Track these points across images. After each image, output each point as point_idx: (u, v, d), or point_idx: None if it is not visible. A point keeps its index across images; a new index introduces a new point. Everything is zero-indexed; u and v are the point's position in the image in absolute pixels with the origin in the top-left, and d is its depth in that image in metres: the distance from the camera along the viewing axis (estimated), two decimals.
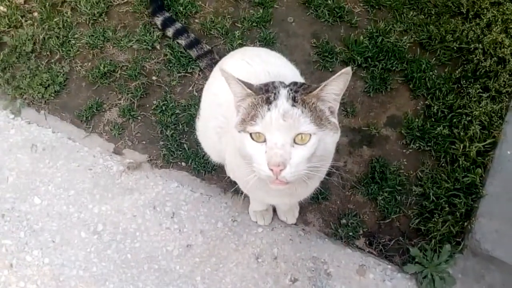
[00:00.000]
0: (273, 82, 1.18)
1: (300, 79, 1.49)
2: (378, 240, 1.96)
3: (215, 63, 2.11)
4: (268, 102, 1.09)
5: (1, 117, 2.13)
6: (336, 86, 1.11)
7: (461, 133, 2.09)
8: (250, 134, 1.11)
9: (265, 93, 1.12)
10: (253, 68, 1.42)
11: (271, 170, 1.06)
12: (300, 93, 1.11)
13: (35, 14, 2.38)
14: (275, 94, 1.11)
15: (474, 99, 2.18)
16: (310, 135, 1.08)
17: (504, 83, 2.20)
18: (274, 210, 1.95)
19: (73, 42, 2.32)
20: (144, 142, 2.11)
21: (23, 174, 2.00)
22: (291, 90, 1.12)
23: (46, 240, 1.87)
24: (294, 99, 1.09)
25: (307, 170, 1.10)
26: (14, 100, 2.17)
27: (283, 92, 1.11)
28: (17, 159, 2.03)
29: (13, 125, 2.12)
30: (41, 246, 1.86)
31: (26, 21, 2.35)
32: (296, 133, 1.07)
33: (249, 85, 1.14)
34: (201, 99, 1.76)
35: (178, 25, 2.29)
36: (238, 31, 2.40)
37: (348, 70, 1.08)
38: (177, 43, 2.30)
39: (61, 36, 2.32)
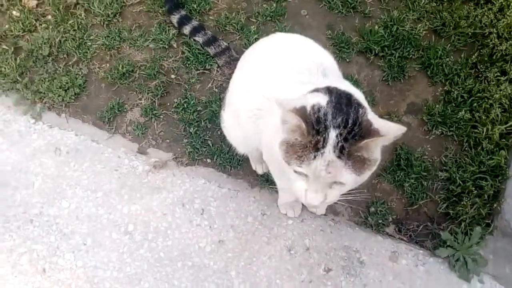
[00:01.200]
0: (323, 118, 1.10)
1: (335, 65, 1.51)
2: (406, 226, 1.97)
3: (233, 60, 2.12)
4: (316, 148, 1.08)
5: (22, 123, 2.12)
6: (387, 141, 1.11)
7: (483, 117, 2.10)
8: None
9: (315, 135, 1.08)
10: (293, 59, 1.43)
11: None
12: (349, 143, 1.08)
13: (49, 17, 2.36)
14: (324, 138, 1.08)
15: (493, 82, 2.19)
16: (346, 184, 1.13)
17: None
18: None
19: (89, 44, 2.31)
20: (168, 140, 2.10)
21: (49, 178, 1.99)
22: (340, 135, 1.08)
23: (78, 243, 1.86)
24: (341, 151, 1.08)
25: (339, 198, 1.20)
26: (34, 105, 2.15)
27: (332, 137, 1.08)
28: (41, 164, 2.02)
29: (35, 129, 2.11)
30: (72, 249, 1.85)
31: (40, 24, 2.33)
32: (335, 181, 1.12)
33: (303, 116, 1.09)
34: (228, 90, 1.75)
35: (194, 22, 2.28)
36: (253, 26, 2.39)
37: (404, 129, 1.07)
38: (194, 40, 2.30)
39: (77, 38, 2.30)
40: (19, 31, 2.30)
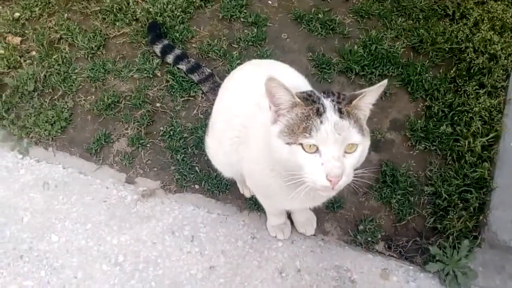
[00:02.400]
0: (312, 92, 1.21)
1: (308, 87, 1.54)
2: (396, 243, 1.98)
3: (217, 85, 2.14)
4: (319, 114, 1.12)
5: (9, 159, 2.13)
6: (373, 96, 1.17)
7: (464, 130, 2.15)
8: (302, 145, 1.13)
9: (312, 104, 1.15)
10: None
11: (329, 181, 1.10)
12: (343, 105, 1.15)
13: (34, 53, 2.40)
14: (322, 105, 1.14)
15: (472, 96, 2.25)
16: (357, 144, 1.14)
17: (498, 78, 2.28)
18: (292, 223, 1.97)
19: (74, 77, 2.34)
20: (155, 168, 2.12)
21: (38, 213, 1.99)
22: (332, 101, 1.15)
23: (68, 277, 1.86)
24: (340, 111, 1.12)
25: (352, 178, 1.16)
26: (21, 140, 2.17)
27: (328, 104, 1.14)
28: (30, 199, 2.02)
29: (22, 164, 2.12)
30: (63, 283, 1.84)
31: (25, 60, 2.37)
32: (347, 144, 1.12)
33: (295, 94, 1.16)
34: (211, 116, 1.78)
35: (177, 51, 2.33)
36: (235, 52, 2.45)
37: (384, 82, 1.15)
38: (178, 68, 2.34)
39: (61, 72, 2.34)
40: (3, 68, 2.34)
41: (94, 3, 2.61)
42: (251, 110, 1.41)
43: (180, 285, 1.84)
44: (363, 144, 1.16)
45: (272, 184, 1.39)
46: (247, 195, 2.02)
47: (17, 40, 2.43)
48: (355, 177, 1.18)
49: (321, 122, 1.11)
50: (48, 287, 1.84)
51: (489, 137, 2.11)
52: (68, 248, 1.91)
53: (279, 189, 1.38)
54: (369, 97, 1.16)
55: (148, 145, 2.17)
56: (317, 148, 1.12)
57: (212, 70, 2.32)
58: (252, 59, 1.89)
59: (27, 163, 2.12)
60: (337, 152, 1.11)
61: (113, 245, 1.93)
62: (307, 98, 1.17)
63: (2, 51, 2.38)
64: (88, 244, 1.93)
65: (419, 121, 2.22)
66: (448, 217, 1.95)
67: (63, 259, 1.89)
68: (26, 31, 2.50)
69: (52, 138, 2.18)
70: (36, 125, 2.17)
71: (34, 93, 2.27)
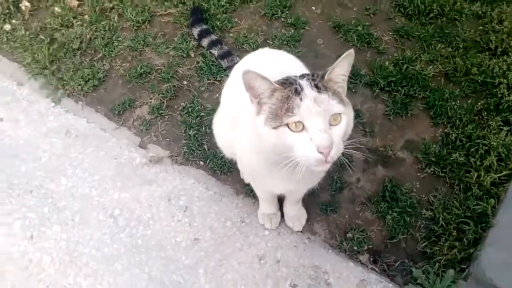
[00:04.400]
0: (288, 77, 1.25)
1: None
2: (383, 259, 1.96)
3: None
4: (297, 92, 1.17)
5: (43, 104, 2.33)
6: (343, 67, 1.21)
7: (477, 163, 2.10)
8: (288, 125, 1.17)
9: (289, 86, 1.19)
10: (265, 69, 1.53)
11: (321, 153, 1.15)
12: (318, 81, 1.19)
13: (86, 16, 2.62)
14: (299, 85, 1.18)
15: (494, 131, 2.19)
16: (341, 114, 1.18)
17: None
18: (282, 216, 2.01)
19: (116, 44, 2.53)
20: (168, 139, 2.24)
21: (55, 156, 2.17)
22: (308, 80, 1.20)
23: (67, 218, 2.00)
24: (317, 87, 1.17)
25: (343, 148, 1.21)
26: (56, 90, 2.37)
27: (304, 83, 1.18)
28: (51, 143, 2.21)
29: (53, 112, 2.31)
30: (61, 222, 1.99)
31: (76, 22, 2.59)
32: (330, 115, 1.17)
33: (273, 81, 1.21)
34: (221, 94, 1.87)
35: (213, 36, 2.45)
36: (268, 47, 2.53)
37: (351, 51, 1.19)
38: (210, 52, 2.46)
39: (106, 38, 2.54)
40: (57, 25, 2.58)
41: None
42: (244, 94, 1.49)
43: (164, 249, 1.93)
44: (346, 114, 1.20)
45: (259, 168, 1.46)
46: (246, 180, 2.09)
47: (74, 3, 2.67)
48: (346, 148, 1.23)
49: (300, 99, 1.15)
50: (48, 222, 1.99)
51: (501, 174, 2.04)
52: (73, 193, 2.07)
53: (265, 171, 1.44)
54: (339, 68, 1.21)
55: (167, 116, 2.30)
56: (303, 126, 1.16)
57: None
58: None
59: (57, 111, 2.31)
60: (322, 125, 1.15)
61: (113, 199, 2.06)
62: (285, 82, 1.22)
63: (59, 10, 2.62)
64: (91, 193, 2.07)
65: (434, 146, 2.20)
66: (439, 243, 1.91)
67: (67, 201, 2.05)
68: None
69: (84, 93, 2.36)
70: (72, 79, 2.36)
71: (77, 51, 2.48)
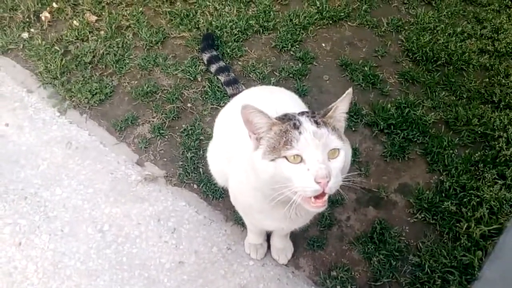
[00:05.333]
0: (286, 113, 1.28)
1: None
2: None
3: None
4: (296, 127, 1.19)
5: (48, 113, 2.39)
6: (344, 106, 1.24)
7: (469, 213, 2.09)
8: (286, 157, 1.18)
9: (288, 121, 1.22)
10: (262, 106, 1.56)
11: (318, 183, 1.14)
12: (318, 117, 1.22)
13: (102, 32, 2.71)
14: (298, 120, 1.21)
15: (489, 183, 2.20)
16: (339, 149, 1.19)
17: None
18: (269, 247, 2.02)
19: (127, 61, 2.61)
20: (165, 159, 2.28)
21: (53, 166, 2.21)
22: (307, 116, 1.23)
23: (56, 228, 2.03)
24: (316, 122, 1.20)
25: (341, 181, 1.21)
26: (63, 101, 2.44)
27: (303, 119, 1.21)
28: (51, 152, 2.25)
29: (57, 121, 2.37)
30: (50, 232, 2.01)
31: (92, 36, 2.67)
32: (329, 149, 1.18)
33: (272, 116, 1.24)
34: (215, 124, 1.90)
35: (221, 63, 2.51)
36: (274, 79, 2.59)
37: (350, 90, 1.23)
38: (217, 78, 2.52)
39: (118, 54, 2.61)
40: (72, 38, 2.66)
41: (167, 5, 2.90)
42: (240, 131, 1.50)
43: (147, 268, 1.94)
44: (345, 149, 1.22)
45: (253, 204, 1.47)
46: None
47: (93, 18, 2.75)
48: (343, 181, 1.22)
49: (299, 133, 1.17)
50: (37, 231, 2.02)
51: (492, 227, 2.04)
52: (65, 204, 2.10)
53: (260, 208, 1.46)
54: (341, 107, 1.24)
55: (167, 136, 2.34)
56: (301, 158, 1.17)
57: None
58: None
59: (61, 122, 2.37)
60: (320, 156, 1.16)
61: (104, 213, 2.08)
62: (283, 118, 1.25)
63: (77, 24, 2.71)
64: (83, 206, 2.10)
65: (428, 192, 2.20)
66: None
67: (58, 211, 2.07)
68: (103, 13, 2.82)
69: (89, 106, 2.42)
70: (80, 91, 2.43)
71: (89, 65, 2.56)
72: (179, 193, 2.17)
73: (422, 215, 2.13)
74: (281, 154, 1.18)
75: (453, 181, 2.22)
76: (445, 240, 2.06)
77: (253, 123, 1.23)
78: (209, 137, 2.32)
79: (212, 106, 2.46)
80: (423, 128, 2.43)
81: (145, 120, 2.40)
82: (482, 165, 2.27)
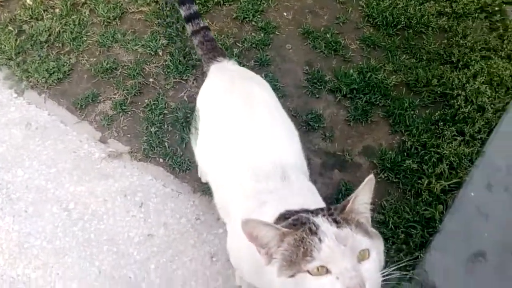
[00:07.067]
0: (298, 217, 1.06)
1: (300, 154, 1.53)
2: None
3: (208, 40, 1.89)
4: (313, 232, 0.99)
5: (5, 95, 2.33)
6: (364, 195, 1.06)
7: (429, 170, 2.15)
8: (308, 271, 0.98)
9: (302, 226, 1.02)
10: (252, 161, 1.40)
11: None
12: (336, 214, 1.03)
13: (57, 10, 2.63)
14: (313, 223, 1.01)
15: (448, 140, 2.26)
16: (369, 250, 0.99)
17: (479, 129, 2.27)
18: None
19: (85, 38, 2.54)
20: (129, 135, 2.25)
21: (13, 148, 2.16)
22: (324, 216, 1.03)
23: (20, 209, 2.00)
24: (336, 221, 1.01)
25: (381, 277, 1.00)
26: (20, 82, 2.37)
27: (319, 220, 1.02)
28: (10, 134, 2.20)
29: (15, 103, 2.31)
30: (14, 214, 1.99)
31: (47, 15, 2.59)
32: (357, 252, 0.97)
33: (279, 225, 1.04)
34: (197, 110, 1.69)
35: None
36: (237, 49, 2.57)
37: (371, 177, 1.06)
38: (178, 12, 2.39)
39: (75, 32, 2.55)
40: (26, 17, 2.58)
41: None
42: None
43: (116, 243, 1.94)
44: (376, 246, 1.01)
45: (256, 281, 1.31)
46: (204, 180, 2.09)
47: None
48: (385, 274, 1.01)
49: (319, 239, 0.97)
50: (0, 213, 1.98)
51: (451, 181, 2.10)
52: (28, 185, 2.06)
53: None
54: (361, 197, 1.05)
55: (129, 112, 2.31)
56: (327, 269, 0.96)
57: (206, 24, 2.01)
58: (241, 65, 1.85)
59: (19, 103, 2.31)
60: (349, 263, 0.95)
61: (69, 192, 2.06)
62: (295, 224, 1.04)
63: (31, 3, 2.62)
64: (47, 186, 2.07)
65: (390, 152, 2.25)
66: (387, 245, 1.96)
67: (21, 193, 2.04)
68: None
69: (48, 86, 2.37)
70: (37, 71, 2.36)
71: (45, 44, 2.49)
72: (145, 168, 2.16)
73: (386, 175, 2.19)
74: (301, 268, 0.98)
75: (414, 140, 2.27)
76: (408, 197, 2.12)
77: (259, 238, 1.03)
78: (173, 111, 2.31)
79: (174, 80, 2.43)
80: (385, 91, 2.46)
81: (106, 97, 2.36)
82: (442, 123, 2.33)
